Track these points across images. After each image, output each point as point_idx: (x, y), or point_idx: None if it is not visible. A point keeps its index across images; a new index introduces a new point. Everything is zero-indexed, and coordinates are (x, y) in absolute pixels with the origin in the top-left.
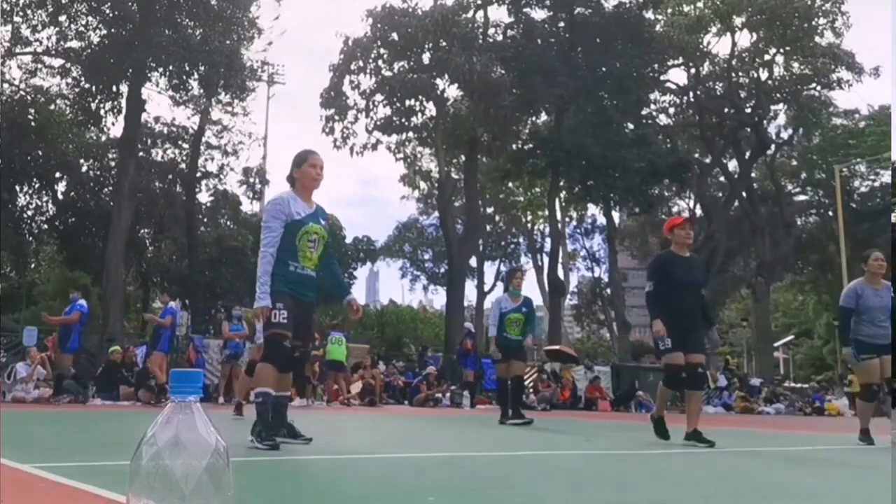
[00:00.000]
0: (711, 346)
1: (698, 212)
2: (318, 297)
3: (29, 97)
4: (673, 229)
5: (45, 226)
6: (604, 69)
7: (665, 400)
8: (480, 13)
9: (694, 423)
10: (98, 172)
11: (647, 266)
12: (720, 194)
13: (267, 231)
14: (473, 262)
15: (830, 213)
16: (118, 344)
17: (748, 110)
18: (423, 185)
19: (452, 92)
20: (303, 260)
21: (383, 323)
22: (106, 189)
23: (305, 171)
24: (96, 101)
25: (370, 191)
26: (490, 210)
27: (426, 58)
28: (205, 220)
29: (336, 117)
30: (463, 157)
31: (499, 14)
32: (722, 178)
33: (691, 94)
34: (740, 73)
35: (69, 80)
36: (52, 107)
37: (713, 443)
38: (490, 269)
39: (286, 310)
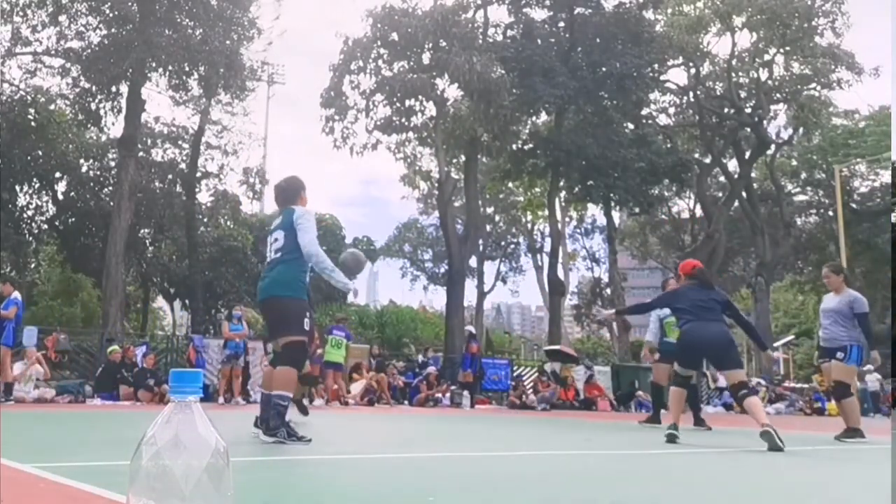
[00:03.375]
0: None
1: (698, 212)
2: (318, 296)
3: (29, 97)
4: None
5: (45, 226)
6: (604, 69)
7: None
8: (480, 13)
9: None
10: (98, 172)
11: None
12: (720, 194)
13: (313, 233)
14: (473, 262)
15: (830, 213)
16: (118, 344)
17: (748, 110)
18: (423, 185)
19: (452, 92)
20: (307, 272)
21: (383, 323)
22: (106, 189)
23: (306, 197)
24: (96, 101)
25: (370, 191)
26: (490, 210)
27: (426, 58)
28: (205, 220)
29: (336, 117)
30: (463, 157)
31: (499, 14)
32: (722, 178)
33: (691, 94)
34: (740, 73)
35: (69, 80)
36: (52, 107)
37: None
38: (490, 269)
39: (310, 319)
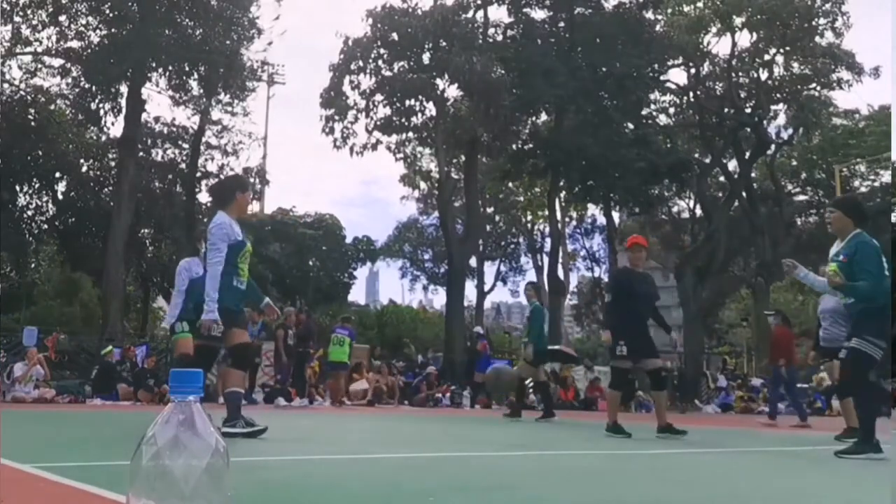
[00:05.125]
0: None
1: (698, 212)
2: (318, 296)
3: (29, 97)
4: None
5: (45, 226)
6: (604, 69)
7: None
8: (480, 13)
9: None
10: (98, 172)
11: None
12: (720, 194)
13: (217, 253)
14: (473, 262)
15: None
16: (118, 344)
17: (748, 110)
18: (423, 185)
19: (452, 92)
20: (242, 275)
21: (383, 323)
22: (106, 189)
23: (247, 198)
24: (96, 101)
25: (370, 191)
26: (490, 210)
27: (426, 58)
28: (205, 220)
29: (336, 117)
30: (463, 157)
31: (499, 14)
32: (722, 178)
33: (691, 94)
34: (740, 73)
35: (69, 80)
36: (52, 107)
37: (685, 431)
38: (490, 269)
39: (224, 324)
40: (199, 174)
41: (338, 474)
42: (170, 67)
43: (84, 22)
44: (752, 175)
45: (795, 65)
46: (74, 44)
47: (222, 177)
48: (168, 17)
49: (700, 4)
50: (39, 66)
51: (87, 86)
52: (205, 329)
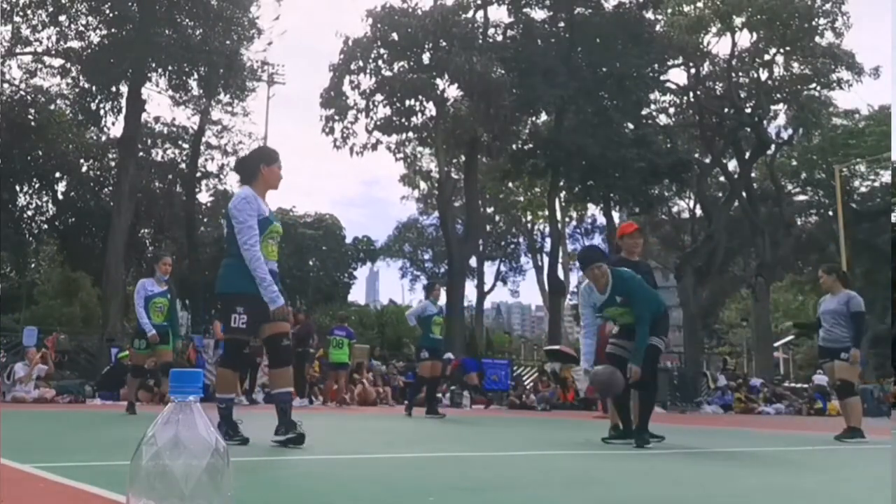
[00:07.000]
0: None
1: (698, 212)
2: (318, 296)
3: (29, 97)
4: (623, 237)
5: (45, 226)
6: (604, 69)
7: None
8: (480, 13)
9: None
10: (98, 172)
11: None
12: (720, 194)
13: (250, 230)
14: (473, 262)
15: (830, 213)
16: (117, 344)
17: (748, 110)
18: (423, 185)
19: (452, 92)
20: (270, 255)
21: (383, 323)
22: (106, 189)
23: (275, 171)
24: (96, 101)
25: (370, 191)
26: (490, 210)
27: (426, 58)
28: (205, 220)
29: (336, 117)
30: (463, 157)
31: (499, 14)
32: (722, 178)
33: (691, 94)
34: (740, 73)
35: (69, 80)
36: (52, 107)
37: (663, 437)
38: (490, 269)
39: (246, 314)
40: (199, 174)
41: (338, 474)
42: (170, 67)
43: (84, 22)
44: (752, 175)
45: (795, 65)
46: (74, 44)
47: (223, 176)
48: (168, 17)
49: (700, 4)
50: (39, 66)
51: (87, 86)
52: (280, 315)
